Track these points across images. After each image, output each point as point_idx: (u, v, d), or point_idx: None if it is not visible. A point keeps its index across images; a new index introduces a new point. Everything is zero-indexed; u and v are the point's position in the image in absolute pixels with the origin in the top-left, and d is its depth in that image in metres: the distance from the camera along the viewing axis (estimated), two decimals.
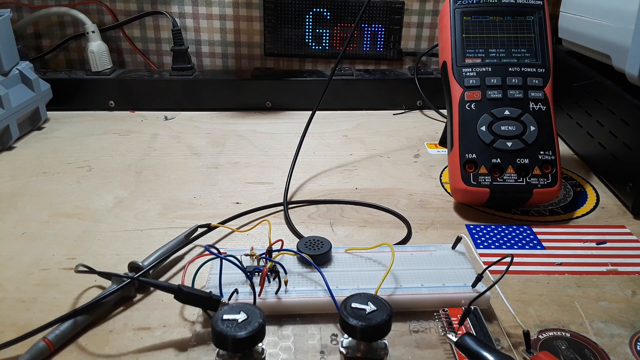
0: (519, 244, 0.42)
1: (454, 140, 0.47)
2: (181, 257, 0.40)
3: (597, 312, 0.35)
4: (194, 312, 0.34)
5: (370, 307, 0.30)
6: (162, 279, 0.38)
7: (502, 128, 0.46)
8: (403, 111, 0.73)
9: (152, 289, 0.36)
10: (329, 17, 0.75)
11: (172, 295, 0.32)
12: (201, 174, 0.54)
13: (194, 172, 0.54)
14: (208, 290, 0.33)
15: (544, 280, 0.38)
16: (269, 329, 0.32)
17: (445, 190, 0.51)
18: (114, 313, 0.34)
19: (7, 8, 0.64)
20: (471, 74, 0.48)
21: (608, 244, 0.42)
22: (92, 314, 0.33)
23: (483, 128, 0.46)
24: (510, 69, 0.48)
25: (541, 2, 0.49)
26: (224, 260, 0.34)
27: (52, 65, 0.80)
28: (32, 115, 0.64)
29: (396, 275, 0.35)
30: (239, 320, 0.29)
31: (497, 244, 0.42)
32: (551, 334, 0.33)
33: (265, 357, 0.30)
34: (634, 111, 0.46)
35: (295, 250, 0.37)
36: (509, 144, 0.46)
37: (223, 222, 0.44)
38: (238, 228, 0.44)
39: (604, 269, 0.39)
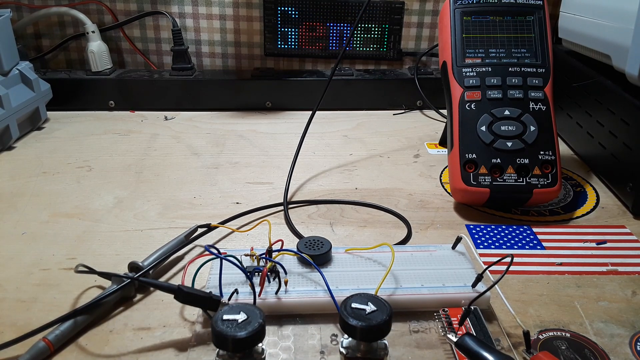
0: (519, 244, 0.42)
1: (454, 140, 0.47)
2: (181, 257, 0.40)
3: (597, 312, 0.35)
4: (194, 312, 0.34)
5: (370, 307, 0.30)
6: (162, 279, 0.38)
7: (502, 128, 0.46)
8: (403, 111, 0.73)
9: (152, 289, 0.36)
10: (329, 17, 0.75)
11: (172, 295, 0.32)
12: (201, 174, 0.54)
13: (194, 172, 0.54)
14: (208, 291, 0.33)
15: (544, 280, 0.38)
16: (269, 329, 0.32)
17: (445, 190, 0.51)
18: (114, 313, 0.34)
19: (7, 8, 0.64)
20: (471, 74, 0.48)
21: (608, 244, 0.42)
22: (92, 314, 0.33)
23: (483, 128, 0.46)
24: (510, 69, 0.48)
25: (541, 2, 0.49)
26: (224, 261, 0.34)
27: (52, 65, 0.80)
28: (32, 115, 0.64)
29: (396, 275, 0.35)
30: (239, 321, 0.29)
31: (497, 244, 0.42)
32: (551, 334, 0.33)
33: (265, 357, 0.30)
34: (634, 111, 0.46)
35: (295, 250, 0.36)
36: (509, 144, 0.46)
37: (223, 222, 0.44)
38: (238, 228, 0.44)
39: (604, 269, 0.39)
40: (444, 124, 0.62)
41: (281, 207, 0.47)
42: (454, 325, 0.32)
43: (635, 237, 0.43)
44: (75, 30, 0.78)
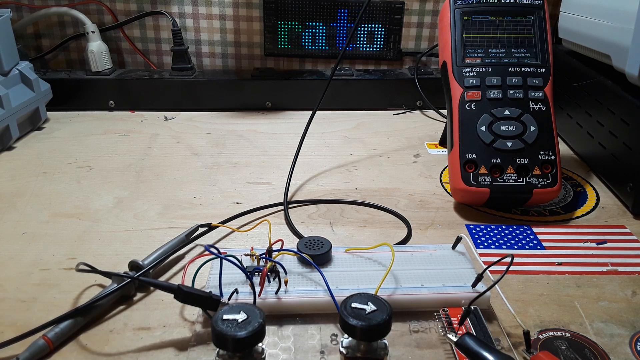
0: (519, 244, 0.42)
1: (454, 140, 0.47)
2: (181, 257, 0.40)
3: (597, 312, 0.35)
4: (194, 312, 0.34)
5: (370, 307, 0.30)
6: (162, 279, 0.38)
7: (502, 128, 0.46)
8: (403, 111, 0.73)
9: (152, 288, 0.36)
10: (329, 17, 0.75)
11: (172, 295, 0.32)
12: (201, 174, 0.54)
13: (194, 172, 0.54)
14: (208, 290, 0.33)
15: (544, 280, 0.38)
16: (269, 329, 0.32)
17: (445, 190, 0.51)
18: (113, 313, 0.34)
19: (7, 8, 0.64)
20: (471, 74, 0.48)
21: (608, 244, 0.42)
22: (92, 313, 0.33)
23: (483, 128, 0.46)
24: (510, 69, 0.48)
25: (541, 2, 0.49)
26: (224, 260, 0.34)
27: (52, 65, 0.80)
28: (32, 115, 0.64)
29: (396, 275, 0.35)
30: (239, 320, 0.28)
31: (497, 244, 0.42)
32: (551, 334, 0.33)
33: (265, 357, 0.30)
34: (634, 111, 0.46)
35: (295, 250, 0.36)
36: (509, 144, 0.46)
37: (223, 222, 0.44)
38: (238, 228, 0.44)
39: (604, 269, 0.39)
40: (444, 124, 0.62)
41: (281, 207, 0.47)
42: (454, 325, 0.32)
43: (635, 237, 0.43)
44: (75, 30, 0.78)
